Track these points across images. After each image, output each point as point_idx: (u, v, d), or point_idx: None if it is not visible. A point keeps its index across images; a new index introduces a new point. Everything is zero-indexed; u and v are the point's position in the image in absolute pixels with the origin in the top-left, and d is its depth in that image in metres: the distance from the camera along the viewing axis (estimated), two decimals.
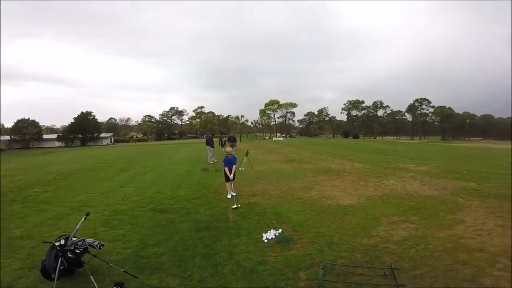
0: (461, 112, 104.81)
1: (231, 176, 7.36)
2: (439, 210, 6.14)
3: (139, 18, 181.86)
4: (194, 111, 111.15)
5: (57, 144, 73.52)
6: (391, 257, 3.99)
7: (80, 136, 76.00)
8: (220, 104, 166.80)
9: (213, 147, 16.62)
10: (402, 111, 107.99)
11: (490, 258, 3.87)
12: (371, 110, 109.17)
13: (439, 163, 14.54)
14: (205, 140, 17.86)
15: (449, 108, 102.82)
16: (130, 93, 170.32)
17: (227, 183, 7.63)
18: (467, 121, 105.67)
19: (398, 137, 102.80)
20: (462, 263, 3.77)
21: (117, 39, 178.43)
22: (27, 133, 69.19)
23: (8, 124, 78.42)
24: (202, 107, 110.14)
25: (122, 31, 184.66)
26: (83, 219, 3.51)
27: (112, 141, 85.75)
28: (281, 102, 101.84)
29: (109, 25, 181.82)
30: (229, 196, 7.45)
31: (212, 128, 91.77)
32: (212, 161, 15.71)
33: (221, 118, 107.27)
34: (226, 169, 7.40)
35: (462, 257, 3.95)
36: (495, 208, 6.13)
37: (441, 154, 23.14)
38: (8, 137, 70.04)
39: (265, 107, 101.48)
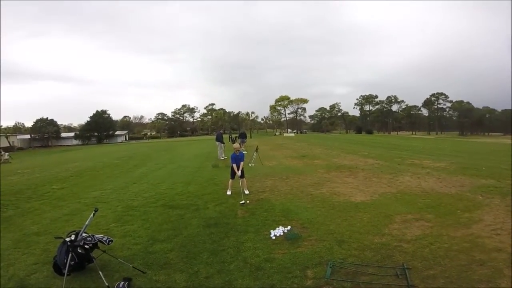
0: (480, 107, 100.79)
1: (239, 173, 7.35)
2: (456, 208, 5.90)
3: (148, 15, 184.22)
4: (205, 108, 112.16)
5: (75, 142, 76.07)
6: (404, 257, 3.86)
7: (96, 134, 78.22)
8: (231, 101, 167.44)
9: (224, 143, 16.67)
10: (417, 106, 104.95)
11: (509, 259, 3.68)
12: (385, 105, 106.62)
13: (457, 159, 14.04)
14: (215, 136, 17.93)
15: (468, 102, 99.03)
16: (142, 90, 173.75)
17: (230, 180, 7.62)
18: (487, 116, 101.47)
19: (414, 133, 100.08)
20: (478, 264, 3.60)
21: (127, 36, 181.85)
22: (46, 131, 71.83)
23: (28, 123, 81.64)
24: (213, 104, 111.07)
25: (132, 28, 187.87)
26: (92, 215, 3.57)
27: (127, 138, 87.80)
28: (292, 98, 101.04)
29: (119, 22, 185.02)
30: (228, 193, 7.48)
31: (223, 124, 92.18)
32: (222, 157, 15.76)
33: (231, 114, 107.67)
34: (234, 165, 7.39)
35: (478, 257, 3.77)
36: None
37: (459, 150, 22.35)
38: (28, 136, 72.91)
39: (275, 103, 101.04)
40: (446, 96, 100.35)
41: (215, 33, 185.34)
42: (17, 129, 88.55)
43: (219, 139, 16.55)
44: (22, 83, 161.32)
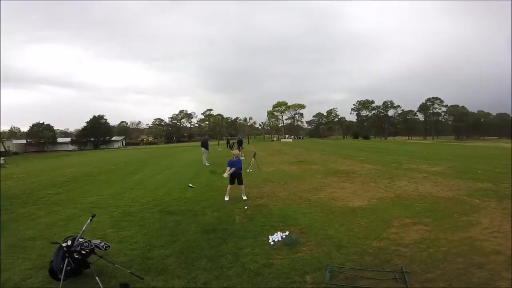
0: (475, 111, 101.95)
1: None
2: (454, 211, 5.94)
3: (147, 22, 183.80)
4: (202, 113, 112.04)
5: (71, 147, 75.67)
6: (402, 260, 3.86)
7: (92, 139, 77.81)
8: (229, 107, 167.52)
9: (208, 150, 16.64)
10: (413, 111, 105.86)
11: (506, 261, 3.70)
12: (381, 110, 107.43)
13: (453, 164, 14.14)
14: (201, 142, 17.70)
15: (463, 107, 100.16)
16: (140, 96, 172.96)
17: (229, 186, 7.60)
18: (482, 120, 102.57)
19: (410, 137, 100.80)
20: (477, 266, 3.62)
21: (126, 43, 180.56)
22: (42, 136, 71.33)
23: (24, 128, 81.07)
24: (210, 110, 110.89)
25: (131, 35, 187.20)
26: (89, 220, 3.54)
27: (124, 144, 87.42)
28: (289, 104, 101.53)
29: (118, 28, 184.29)
30: (226, 199, 7.45)
31: (221, 130, 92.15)
32: (205, 164, 15.73)
33: (229, 120, 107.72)
34: (232, 168, 7.37)
35: (477, 260, 3.79)
36: None
37: (455, 154, 22.51)
38: (24, 141, 72.33)
39: (273, 108, 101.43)
40: (441, 101, 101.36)
41: (214, 41, 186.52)
42: (13, 133, 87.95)
43: (205, 145, 16.52)
44: (18, 88, 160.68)
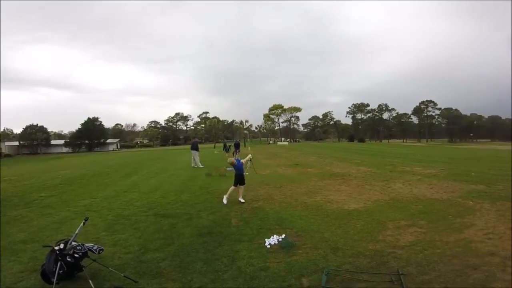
0: (468, 114, 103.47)
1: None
2: (448, 213, 5.98)
3: (146, 23, 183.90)
4: (198, 116, 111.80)
5: (65, 149, 74.75)
6: (398, 263, 3.87)
7: (87, 141, 77.02)
8: (225, 109, 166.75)
9: (198, 151, 16.55)
10: (408, 114, 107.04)
11: (502, 262, 3.73)
12: (376, 113, 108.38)
13: (447, 166, 14.30)
14: (191, 144, 17.46)
15: (456, 109, 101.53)
16: (137, 98, 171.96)
17: (232, 187, 7.58)
18: (475, 122, 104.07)
19: (404, 140, 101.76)
20: (472, 268, 3.64)
21: (125, 44, 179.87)
22: (35, 138, 70.41)
23: (17, 129, 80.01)
24: (206, 113, 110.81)
25: (130, 36, 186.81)
26: (82, 223, 3.49)
27: (118, 146, 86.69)
28: (285, 107, 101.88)
29: (117, 30, 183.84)
30: (225, 202, 7.41)
31: (217, 133, 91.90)
32: (200, 166, 15.64)
33: (225, 123, 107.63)
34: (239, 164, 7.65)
35: (472, 261, 3.81)
36: (506, 210, 5.96)
37: (448, 156, 22.78)
38: (17, 143, 71.31)
39: (269, 111, 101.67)
40: (435, 104, 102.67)
41: (213, 43, 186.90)
42: (5, 135, 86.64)
43: (195, 147, 16.38)
44: (14, 89, 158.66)
